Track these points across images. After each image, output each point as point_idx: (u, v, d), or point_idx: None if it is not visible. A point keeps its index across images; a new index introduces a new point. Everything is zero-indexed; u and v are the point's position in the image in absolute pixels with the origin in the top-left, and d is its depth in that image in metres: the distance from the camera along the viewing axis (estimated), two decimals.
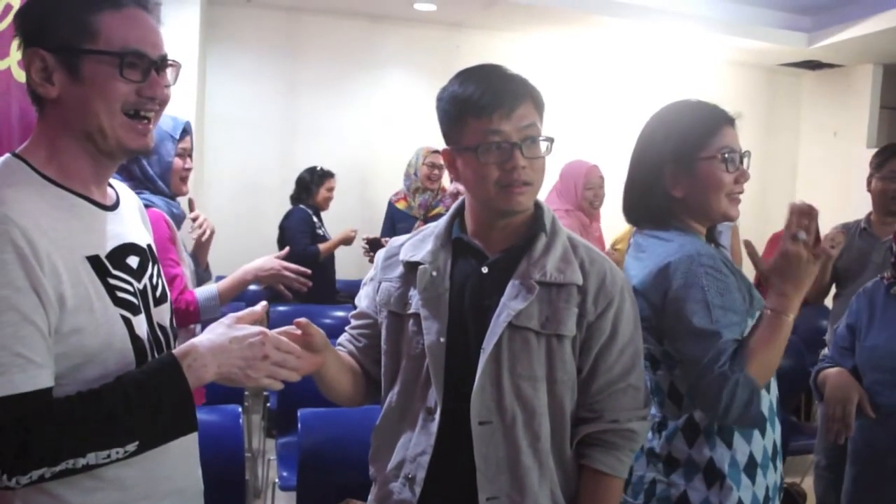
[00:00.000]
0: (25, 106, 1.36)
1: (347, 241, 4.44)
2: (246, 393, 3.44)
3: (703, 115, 1.60)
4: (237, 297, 2.35)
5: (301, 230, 4.45)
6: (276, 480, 2.91)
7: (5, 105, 1.29)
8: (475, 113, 1.31)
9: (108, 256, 1.18)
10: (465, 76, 1.35)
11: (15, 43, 1.28)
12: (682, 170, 1.58)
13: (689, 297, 1.46)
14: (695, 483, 1.52)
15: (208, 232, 2.49)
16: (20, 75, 1.33)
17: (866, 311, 1.97)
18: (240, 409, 2.43)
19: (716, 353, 1.43)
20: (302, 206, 4.61)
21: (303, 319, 1.33)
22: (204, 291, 2.21)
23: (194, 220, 2.50)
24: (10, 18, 1.29)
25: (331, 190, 4.70)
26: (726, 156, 1.56)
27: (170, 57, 1.20)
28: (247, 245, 4.56)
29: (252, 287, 2.93)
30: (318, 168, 4.70)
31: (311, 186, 4.63)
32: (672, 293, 1.47)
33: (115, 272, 1.18)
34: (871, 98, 6.37)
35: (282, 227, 4.57)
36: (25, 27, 1.15)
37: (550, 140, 1.35)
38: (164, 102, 1.21)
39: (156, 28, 1.19)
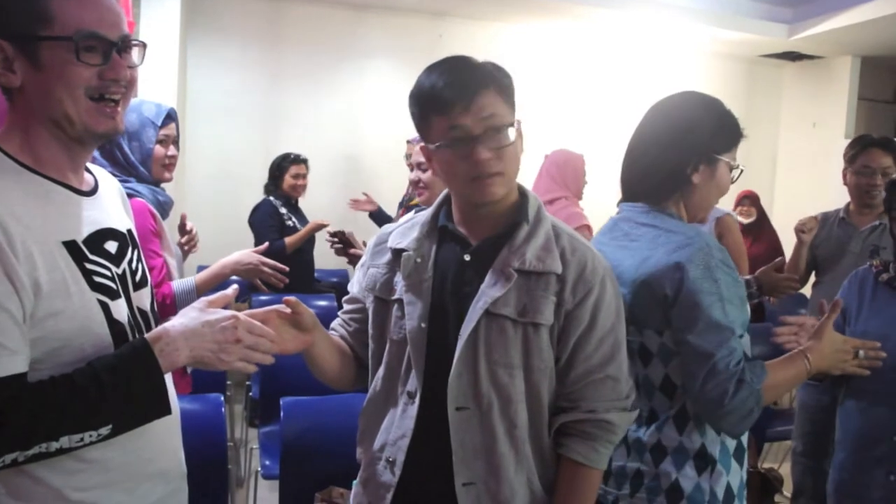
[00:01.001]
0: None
1: (317, 230, 4.35)
2: (228, 382, 3.44)
3: (735, 122, 1.65)
4: (217, 286, 2.34)
5: (267, 224, 4.34)
6: (259, 469, 2.91)
7: None
8: (436, 110, 1.32)
9: (86, 241, 1.18)
10: (427, 73, 1.34)
11: None
12: (706, 160, 1.60)
13: (705, 289, 1.46)
14: (685, 470, 1.52)
15: (197, 245, 2.51)
16: None
17: (856, 296, 1.98)
18: (222, 399, 2.43)
19: (728, 349, 1.44)
20: (270, 197, 4.50)
21: (292, 298, 1.34)
22: (181, 284, 2.20)
23: (188, 231, 2.51)
24: None
25: (297, 177, 4.55)
26: (738, 168, 1.65)
27: (139, 38, 1.20)
28: (228, 234, 4.55)
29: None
30: (289, 154, 4.58)
31: (279, 174, 4.52)
32: (690, 284, 1.46)
33: (92, 257, 1.18)
34: (850, 89, 6.45)
35: (250, 223, 4.47)
36: None
37: (512, 125, 1.32)
38: (130, 84, 1.19)
39: (113, 8, 1.17)
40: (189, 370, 2.22)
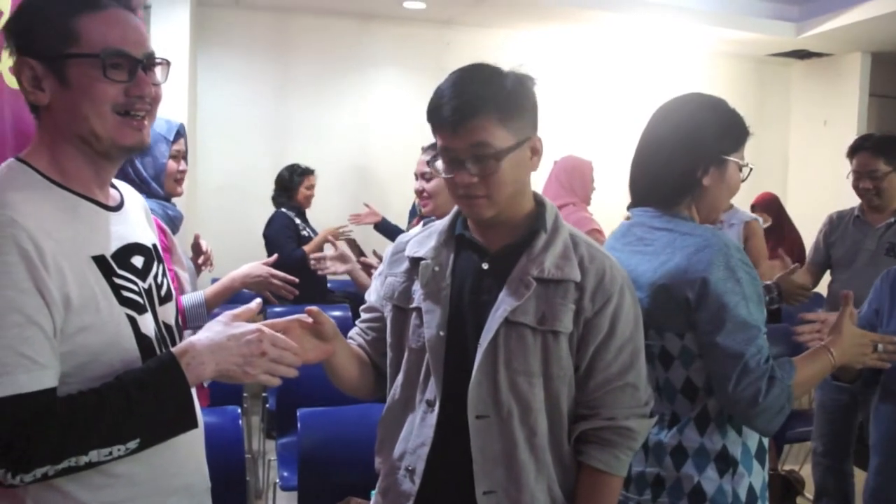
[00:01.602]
0: (18, 111, 1.37)
1: (321, 242, 4.34)
2: (245, 394, 3.45)
3: (741, 121, 1.65)
4: (231, 298, 2.35)
5: (285, 236, 4.36)
6: (277, 481, 2.91)
7: None
8: (433, 127, 1.34)
9: (114, 256, 1.19)
10: (441, 84, 1.35)
11: (6, 50, 1.28)
12: (715, 163, 1.60)
13: (730, 289, 1.46)
14: (707, 472, 1.52)
15: (212, 265, 2.51)
16: (12, 81, 1.33)
17: (889, 296, 1.97)
18: (239, 411, 2.43)
19: (756, 347, 1.44)
20: (283, 209, 4.52)
21: (314, 308, 1.35)
22: (191, 298, 2.21)
23: (204, 251, 2.52)
24: (0, 24, 1.29)
25: (310, 188, 4.61)
26: (747, 166, 1.65)
27: (158, 56, 1.20)
28: (238, 246, 4.56)
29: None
30: (298, 166, 4.62)
31: (292, 186, 4.54)
32: (714, 286, 1.46)
33: (120, 272, 1.19)
34: (861, 86, 6.40)
35: (265, 236, 4.48)
36: (14, 37, 1.15)
37: (506, 151, 1.30)
38: (155, 100, 1.21)
39: (138, 27, 1.18)
40: (206, 383, 2.23)
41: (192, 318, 2.16)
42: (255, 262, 2.37)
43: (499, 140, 1.30)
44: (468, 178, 1.31)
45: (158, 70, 1.21)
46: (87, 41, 1.12)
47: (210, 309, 2.23)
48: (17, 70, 1.14)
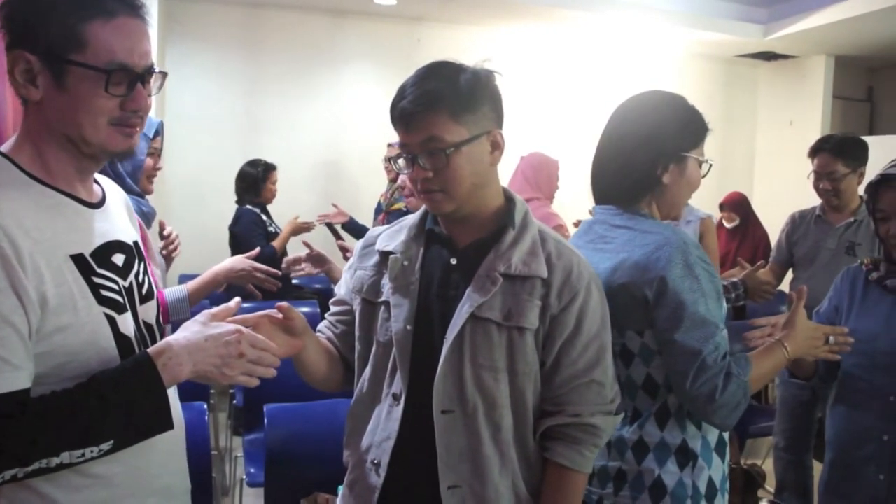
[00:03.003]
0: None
1: (297, 230, 4.33)
2: (212, 391, 3.42)
3: (700, 117, 1.66)
4: (209, 294, 2.33)
5: (255, 233, 4.32)
6: (244, 477, 2.89)
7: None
8: (393, 126, 1.37)
9: (93, 255, 1.17)
10: (402, 83, 1.37)
11: None
12: (675, 160, 1.61)
13: (688, 286, 1.48)
14: (668, 466, 1.54)
15: (178, 249, 2.48)
16: None
17: (847, 294, 1.99)
18: (205, 407, 2.42)
19: (714, 344, 1.46)
20: (248, 206, 4.47)
21: (284, 304, 1.34)
22: (174, 292, 2.19)
23: (167, 236, 2.49)
24: None
25: (275, 182, 4.58)
26: (707, 162, 1.66)
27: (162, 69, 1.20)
28: (209, 243, 4.53)
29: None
30: (261, 161, 4.57)
31: (258, 182, 4.50)
32: (672, 282, 1.48)
33: (99, 270, 1.16)
34: (825, 88, 6.54)
35: (233, 232, 4.43)
36: (12, 27, 1.11)
37: (457, 145, 1.31)
38: (146, 111, 1.20)
39: (146, 36, 1.16)
40: None
41: (175, 312, 2.14)
42: (238, 256, 2.36)
43: (451, 135, 1.31)
44: (422, 173, 1.33)
45: (153, 81, 1.19)
46: (94, 51, 1.09)
47: (192, 303, 2.21)
48: (10, 61, 1.10)
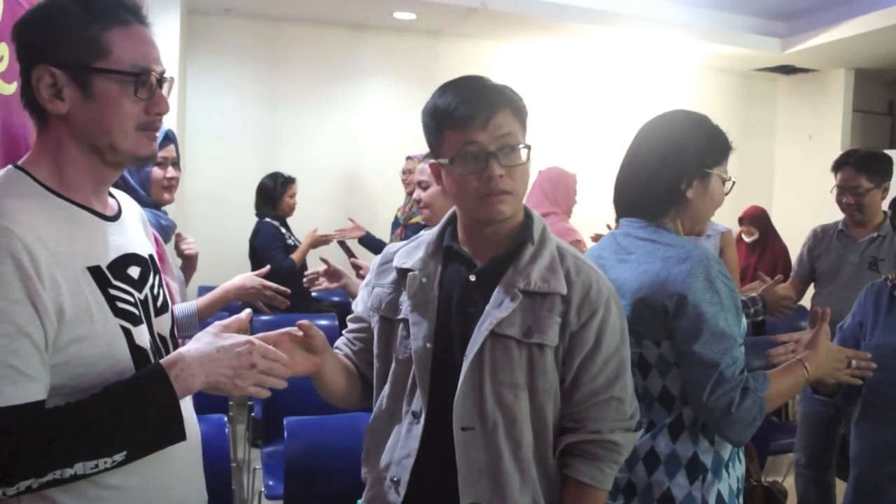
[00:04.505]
0: (8, 117, 1.36)
1: (316, 243, 4.35)
2: (231, 403, 3.43)
3: (724, 136, 1.69)
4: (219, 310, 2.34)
5: (275, 246, 4.33)
6: (263, 490, 2.90)
7: None
8: (452, 124, 1.32)
9: (110, 267, 1.18)
10: (445, 88, 1.36)
11: None
12: (699, 176, 1.63)
13: (709, 299, 1.49)
14: (678, 479, 1.54)
15: (195, 250, 2.50)
16: (4, 88, 1.32)
17: (872, 310, 1.98)
18: (225, 419, 2.43)
19: (731, 357, 1.47)
20: (267, 219, 4.49)
21: (305, 322, 1.34)
22: (183, 308, 2.20)
23: (185, 239, 2.52)
24: None
25: (293, 196, 4.59)
26: (730, 180, 1.68)
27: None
28: (229, 256, 4.56)
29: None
30: (280, 174, 4.59)
31: (276, 195, 4.52)
32: (693, 295, 1.49)
33: (115, 283, 1.18)
34: (845, 102, 6.50)
35: (253, 246, 4.44)
36: (31, 42, 1.14)
37: (528, 147, 1.36)
38: (166, 114, 1.23)
39: (155, 44, 1.20)
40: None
41: (183, 329, 2.15)
42: (247, 273, 2.37)
43: (519, 134, 1.35)
44: (500, 170, 1.31)
45: (165, 86, 1.22)
46: (117, 57, 1.13)
47: (202, 319, 2.22)
48: (35, 77, 1.12)
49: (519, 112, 1.36)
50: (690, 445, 1.55)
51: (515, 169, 1.33)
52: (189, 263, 2.61)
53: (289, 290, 2.40)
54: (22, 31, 1.15)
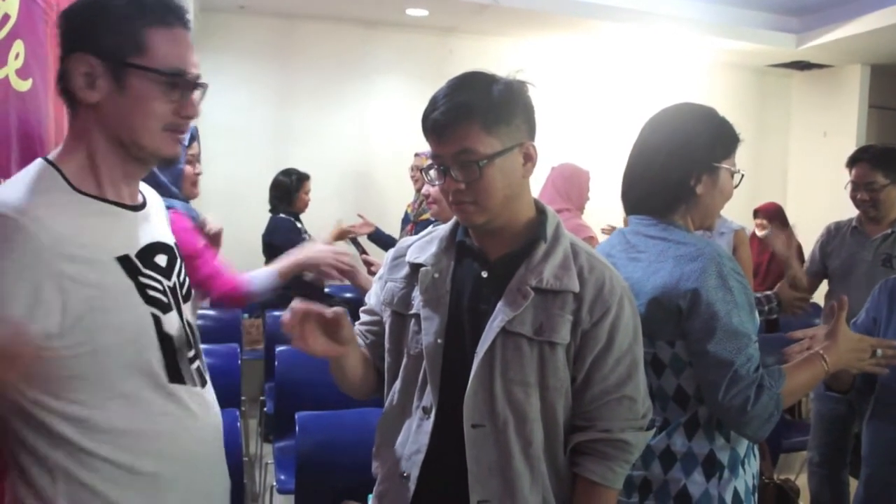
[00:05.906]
0: (24, 115, 1.38)
1: (341, 236, 4.27)
2: (243, 398, 3.45)
3: (731, 127, 1.67)
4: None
5: (294, 242, 4.30)
6: (274, 484, 2.92)
7: (4, 114, 1.30)
8: (425, 136, 1.36)
9: (138, 255, 1.20)
10: (434, 94, 1.36)
11: (13, 52, 1.29)
12: (707, 170, 1.62)
13: (721, 297, 1.48)
14: (694, 476, 1.53)
15: (218, 226, 2.49)
16: (19, 85, 1.34)
17: (886, 306, 1.97)
18: (237, 413, 2.44)
19: (746, 355, 1.46)
20: (282, 215, 4.51)
21: (341, 309, 1.32)
22: (263, 273, 2.18)
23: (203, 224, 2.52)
24: (8, 27, 1.30)
25: (308, 192, 4.60)
26: (739, 173, 1.67)
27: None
28: (242, 252, 4.54)
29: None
30: (295, 170, 4.60)
31: (292, 192, 4.53)
32: (706, 293, 1.48)
33: (145, 271, 1.20)
34: (860, 98, 6.43)
35: (269, 242, 4.44)
36: (73, 30, 1.16)
37: (490, 157, 1.30)
38: (194, 119, 1.25)
39: (192, 48, 1.22)
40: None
41: (263, 293, 2.14)
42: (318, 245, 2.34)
43: (483, 146, 1.30)
44: (454, 185, 1.32)
45: (199, 92, 1.24)
46: (154, 55, 1.14)
47: (283, 278, 2.20)
48: (71, 65, 1.14)
49: (490, 119, 1.30)
50: (706, 443, 1.54)
51: (476, 182, 1.31)
52: (215, 240, 2.61)
53: (348, 267, 2.37)
54: (67, 18, 1.17)
